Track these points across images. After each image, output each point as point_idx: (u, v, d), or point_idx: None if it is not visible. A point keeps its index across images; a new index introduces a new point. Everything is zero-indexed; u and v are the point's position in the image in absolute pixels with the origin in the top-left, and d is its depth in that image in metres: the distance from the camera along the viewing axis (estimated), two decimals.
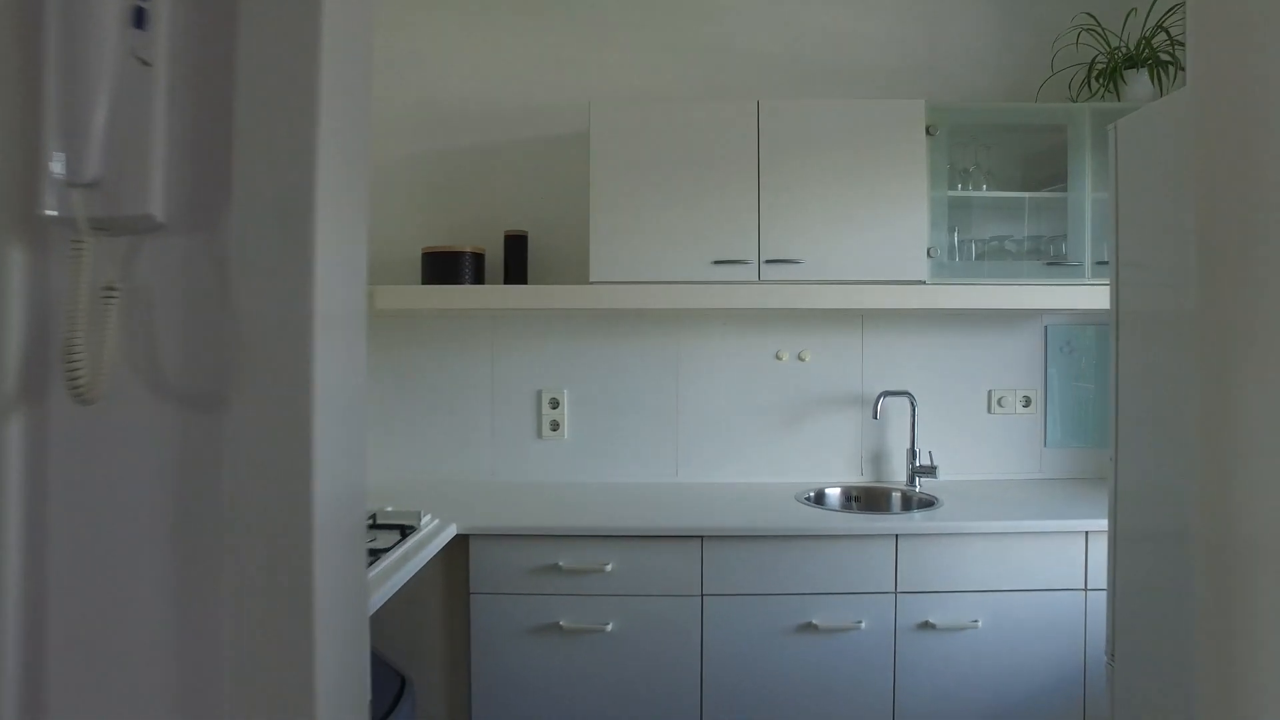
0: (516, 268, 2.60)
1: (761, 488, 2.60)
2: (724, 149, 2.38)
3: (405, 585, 1.88)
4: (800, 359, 2.71)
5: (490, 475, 2.73)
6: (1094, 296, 2.42)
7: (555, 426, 2.72)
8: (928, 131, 2.40)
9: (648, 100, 2.63)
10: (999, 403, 2.74)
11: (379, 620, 2.07)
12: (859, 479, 2.73)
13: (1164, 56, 2.50)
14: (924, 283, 2.42)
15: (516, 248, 2.60)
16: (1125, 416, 1.59)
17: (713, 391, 2.71)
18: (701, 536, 2.12)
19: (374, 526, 2.02)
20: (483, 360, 2.73)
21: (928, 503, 2.42)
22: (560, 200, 2.73)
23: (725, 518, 2.18)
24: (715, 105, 2.39)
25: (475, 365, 2.73)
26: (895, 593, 2.14)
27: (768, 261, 2.38)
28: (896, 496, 2.57)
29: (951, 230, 2.47)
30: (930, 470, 2.58)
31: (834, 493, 2.62)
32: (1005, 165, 2.64)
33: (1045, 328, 2.75)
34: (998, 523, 2.14)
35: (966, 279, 2.44)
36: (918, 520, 2.15)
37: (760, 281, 2.39)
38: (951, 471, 2.74)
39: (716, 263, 2.37)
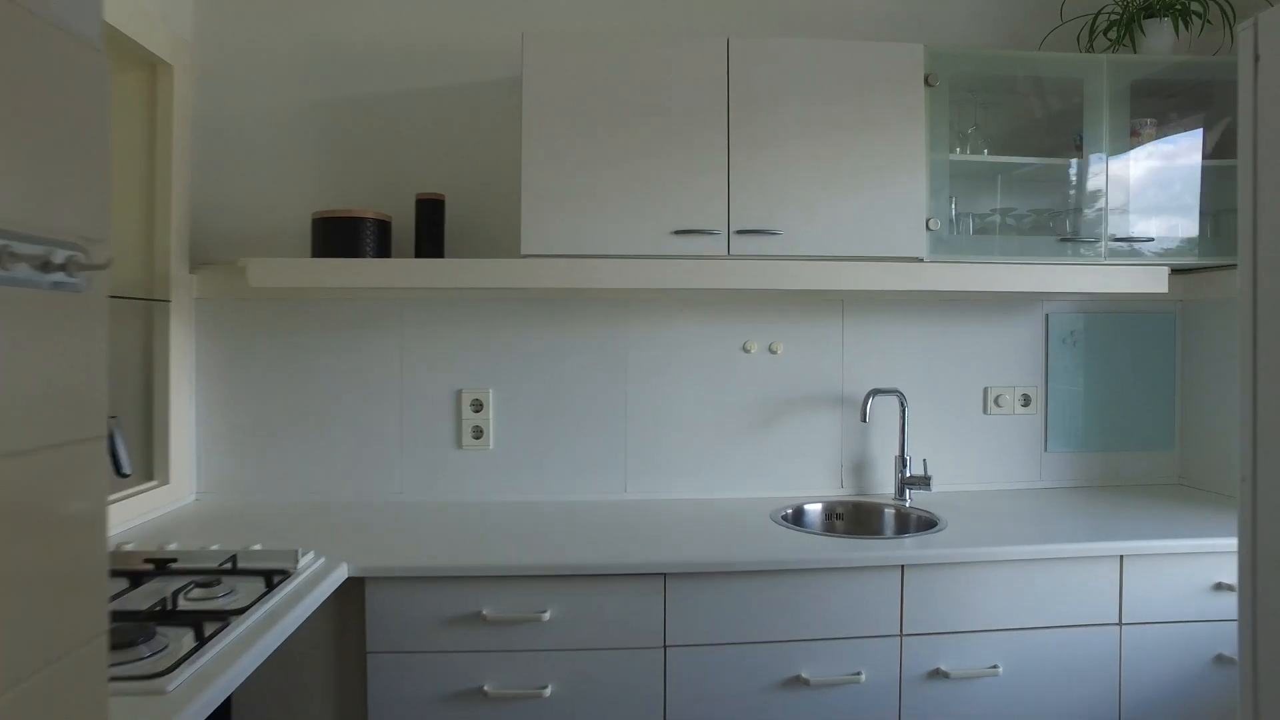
0: (431, 238, 2.11)
1: (729, 505, 2.18)
2: (687, 97, 1.95)
3: (280, 647, 1.39)
4: (771, 351, 2.30)
5: (397, 495, 2.24)
6: (1110, 279, 2.08)
7: (479, 434, 2.25)
8: (926, 81, 2.02)
9: (594, 37, 2.18)
10: (996, 402, 2.39)
11: (240, 701, 1.57)
12: (840, 492, 2.33)
13: (1193, 4, 2.17)
14: (921, 260, 2.03)
15: (431, 214, 2.12)
16: (1269, 424, 1.21)
17: (669, 390, 2.28)
18: (664, 574, 1.68)
19: (231, 573, 1.52)
20: (389, 352, 2.24)
21: (928, 522, 2.04)
22: (486, 158, 2.25)
23: (692, 547, 1.75)
24: (677, 44, 1.96)
25: (379, 359, 2.23)
26: (900, 635, 1.75)
27: (739, 232, 1.96)
28: (890, 514, 2.18)
29: (951, 200, 2.10)
30: (923, 481, 2.20)
31: (814, 509, 2.22)
32: (1008, 127, 2.28)
33: (1046, 316, 2.41)
34: (1020, 547, 1.76)
35: (970, 256, 2.06)
36: (926, 547, 1.76)
37: (729, 256, 1.96)
38: (943, 481, 2.38)
39: (677, 233, 1.94)
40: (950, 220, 2.07)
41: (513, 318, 2.25)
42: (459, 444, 2.24)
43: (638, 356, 2.27)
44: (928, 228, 2.02)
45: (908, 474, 2.24)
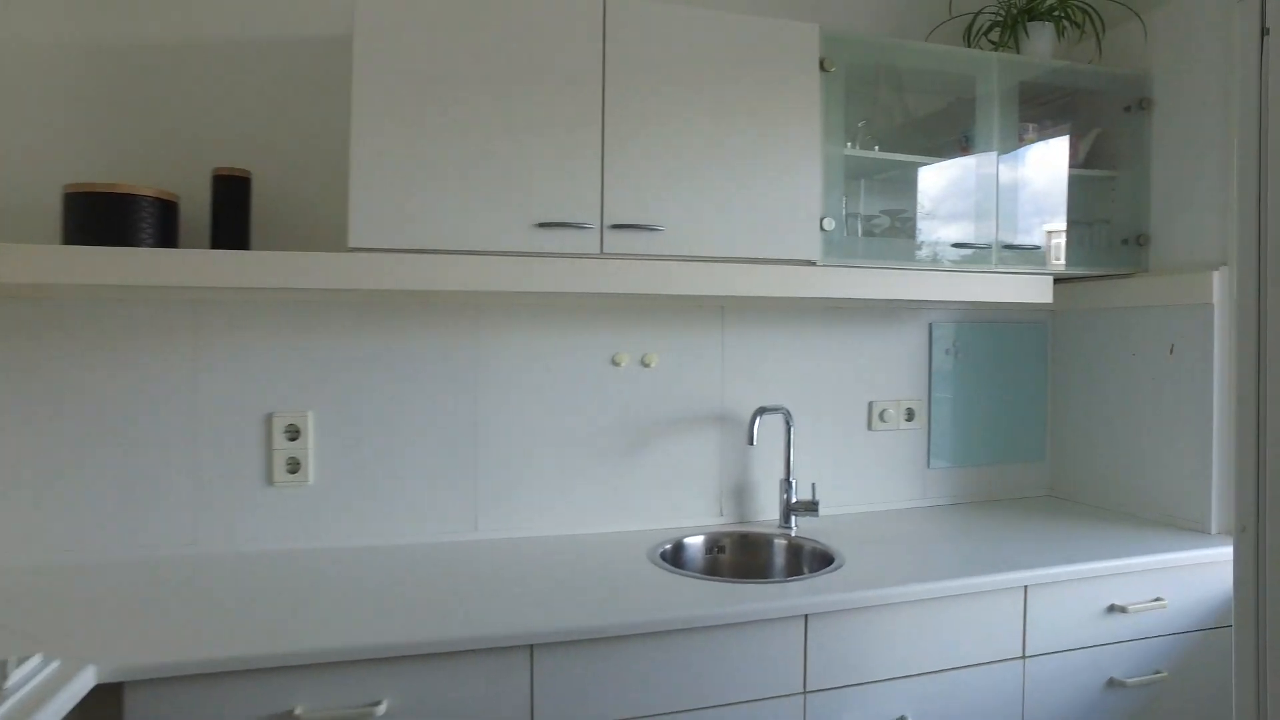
0: (232, 225, 1.69)
1: (600, 543, 1.89)
2: (556, 66, 1.65)
3: None
4: (645, 364, 2.04)
5: (188, 548, 1.78)
6: (1000, 287, 1.97)
7: (295, 467, 1.83)
8: (822, 66, 1.82)
9: None
10: (881, 417, 2.24)
11: None
12: (720, 520, 2.10)
13: (1073, 12, 2.11)
14: (814, 264, 1.83)
15: (232, 195, 1.69)
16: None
17: (528, 410, 1.96)
18: (530, 645, 1.37)
19: None
20: (177, 369, 1.78)
21: (824, 557, 1.84)
22: (306, 128, 1.84)
23: (562, 605, 1.45)
24: (545, 1, 1.65)
25: (163, 377, 1.77)
26: (804, 693, 1.52)
27: (614, 227, 1.68)
28: (779, 546, 1.97)
29: (844, 199, 1.91)
30: (811, 507, 2.01)
31: (695, 543, 1.97)
32: (897, 123, 2.13)
33: (929, 325, 2.29)
34: (928, 585, 1.59)
35: (863, 261, 1.89)
36: (829, 591, 1.55)
37: (602, 255, 1.68)
38: (829, 503, 2.20)
39: (541, 226, 1.63)
40: (842, 221, 1.88)
41: (338, 325, 1.86)
42: (270, 480, 1.82)
43: (491, 371, 1.94)
44: (821, 228, 1.82)
45: (794, 499, 2.04)
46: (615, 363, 2.01)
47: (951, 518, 2.15)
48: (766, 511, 2.14)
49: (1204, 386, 1.98)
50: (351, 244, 1.56)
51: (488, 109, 1.61)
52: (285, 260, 1.55)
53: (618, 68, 1.68)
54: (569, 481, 1.98)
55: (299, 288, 1.56)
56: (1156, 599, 1.81)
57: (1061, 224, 2.09)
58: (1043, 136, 2.11)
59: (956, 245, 1.96)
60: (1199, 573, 1.87)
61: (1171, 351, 2.05)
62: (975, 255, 1.98)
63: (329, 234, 1.83)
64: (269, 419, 1.82)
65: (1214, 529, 1.98)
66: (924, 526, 2.05)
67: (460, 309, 1.92)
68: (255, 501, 1.81)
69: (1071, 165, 2.12)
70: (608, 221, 1.67)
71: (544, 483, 1.97)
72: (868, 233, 2.02)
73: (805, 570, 1.89)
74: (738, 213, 1.76)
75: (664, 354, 2.05)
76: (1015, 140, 2.02)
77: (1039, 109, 2.19)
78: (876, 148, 1.98)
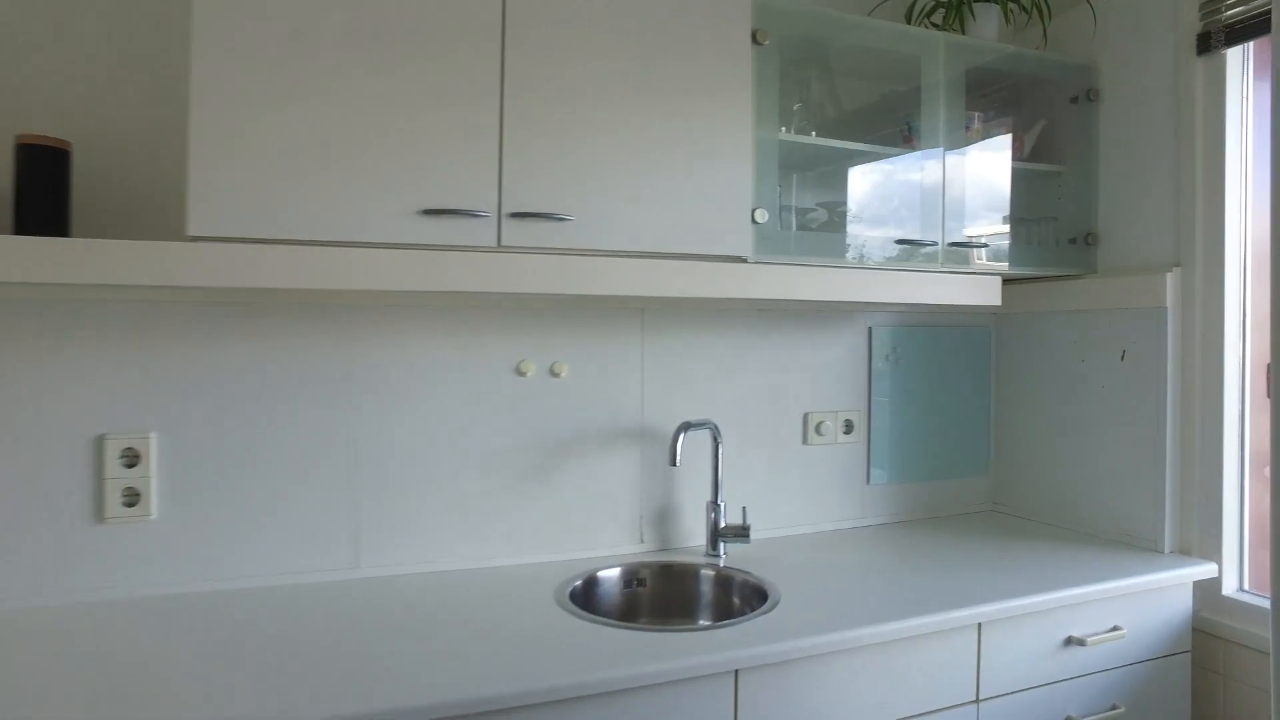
0: (45, 207, 1.38)
1: (501, 579, 1.64)
2: (445, 21, 1.40)
3: None
4: (554, 374, 1.79)
5: None
6: (948, 288, 1.80)
7: (134, 499, 1.53)
8: (754, 39, 1.61)
9: None
10: (818, 430, 2.05)
11: None
12: (641, 549, 1.87)
13: None
14: (745, 260, 1.63)
15: (45, 170, 1.38)
16: None
17: (417, 427, 1.70)
18: None
19: None
20: None
21: (757, 592, 1.62)
22: (136, 91, 1.54)
23: (443, 668, 1.19)
24: None
25: None
26: None
27: (514, 216, 1.43)
28: (706, 579, 1.75)
29: (779, 190, 1.71)
30: (741, 533, 1.80)
31: (611, 577, 1.73)
32: (836, 108, 1.95)
33: (869, 330, 2.12)
34: (876, 628, 1.39)
35: (801, 258, 1.69)
36: (763, 640, 1.33)
37: (500, 248, 1.43)
38: (761, 526, 2.00)
39: (427, 213, 1.38)
40: (776, 214, 1.68)
41: (187, 332, 1.56)
42: (100, 516, 1.51)
43: (373, 384, 1.67)
44: (753, 220, 1.62)
45: (722, 523, 1.83)
46: (520, 373, 1.76)
47: (893, 539, 1.97)
48: (692, 537, 1.92)
49: (1157, 395, 1.85)
50: (191, 231, 1.27)
51: (361, 72, 1.35)
52: (111, 250, 1.26)
53: (520, 30, 1.43)
54: (466, 509, 1.73)
55: (129, 284, 1.27)
56: (1114, 628, 1.66)
57: (1007, 222, 1.94)
58: (988, 127, 1.95)
59: (900, 242, 1.78)
60: (1156, 598, 1.73)
61: (1123, 358, 1.92)
62: (920, 253, 1.80)
63: (165, 217, 1.54)
64: (99, 442, 1.51)
65: (1167, 547, 1.85)
66: (865, 551, 1.87)
67: (335, 312, 1.64)
68: (83, 541, 1.50)
69: (1017, 159, 1.97)
70: (507, 209, 1.43)
71: (437, 511, 1.71)
72: (803, 227, 1.83)
73: (736, 606, 1.68)
74: (659, 202, 1.54)
75: (576, 363, 1.81)
76: (962, 131, 1.86)
77: (983, 99, 2.03)
78: (814, 134, 1.79)
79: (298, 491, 1.61)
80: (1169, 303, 1.82)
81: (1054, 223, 2.03)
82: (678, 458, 1.71)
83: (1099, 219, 2.02)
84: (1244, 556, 1.82)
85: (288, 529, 1.61)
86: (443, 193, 1.39)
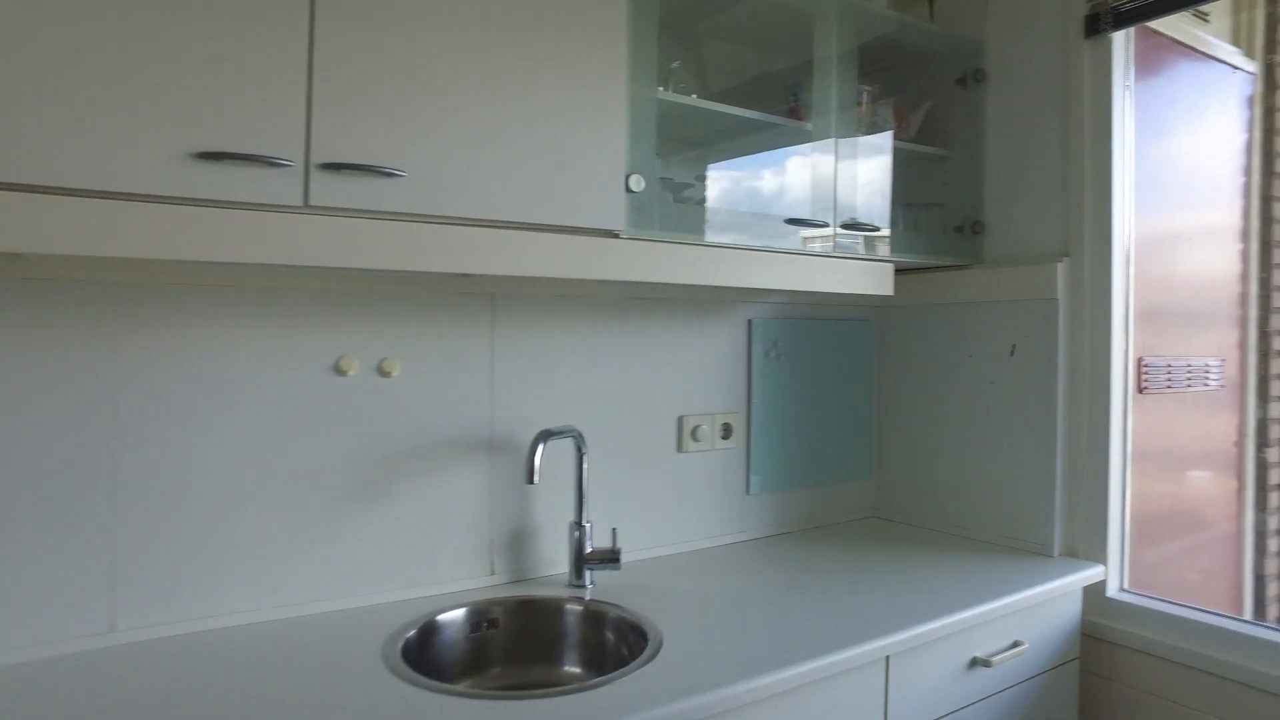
0: None
1: (316, 631, 1.29)
2: None
3: None
4: (383, 373, 1.46)
5: None
6: (840, 276, 1.62)
7: None
8: None
9: None
10: (693, 435, 1.82)
11: None
12: (491, 581, 1.57)
13: None
14: (617, 235, 1.36)
15: None
16: None
17: (199, 445, 1.31)
18: None
19: None
20: None
21: (634, 631, 1.36)
22: None
23: None
24: None
25: None
26: None
27: (326, 167, 1.10)
28: (571, 618, 1.47)
29: (657, 155, 1.46)
30: (610, 558, 1.54)
31: (454, 621, 1.42)
32: (719, 70, 1.73)
33: (749, 322, 1.91)
34: (776, 675, 1.16)
35: (682, 235, 1.45)
36: (646, 705, 1.07)
37: (308, 209, 1.10)
38: (632, 547, 1.74)
39: (203, 157, 1.02)
40: (654, 184, 1.43)
41: None
42: None
43: (139, 389, 1.27)
44: (628, 188, 1.36)
45: (589, 548, 1.55)
46: (340, 371, 1.41)
47: (777, 556, 1.77)
48: (554, 564, 1.64)
49: (1047, 391, 1.76)
50: None
51: None
52: None
53: None
54: (268, 545, 1.36)
55: None
56: (1016, 643, 1.53)
57: (895, 207, 1.79)
58: (876, 106, 1.80)
59: (792, 222, 1.58)
60: (1051, 606, 1.62)
61: (1013, 352, 1.81)
62: (812, 237, 1.61)
63: None
64: None
65: (1056, 551, 1.76)
66: (750, 572, 1.65)
67: (88, 292, 1.23)
68: None
69: (904, 140, 1.83)
70: (318, 158, 1.09)
71: (228, 550, 1.33)
72: (681, 202, 1.59)
73: (610, 647, 1.41)
74: (516, 159, 1.24)
75: (410, 359, 1.48)
76: (854, 107, 1.69)
77: (868, 75, 1.88)
78: (694, 96, 1.55)
79: (31, 536, 1.19)
80: (1060, 294, 1.73)
81: (940, 209, 1.91)
82: (536, 473, 1.42)
83: (985, 207, 1.91)
84: (1125, 556, 1.76)
85: (14, 588, 1.18)
86: (226, 130, 1.04)
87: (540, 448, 1.43)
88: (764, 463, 1.92)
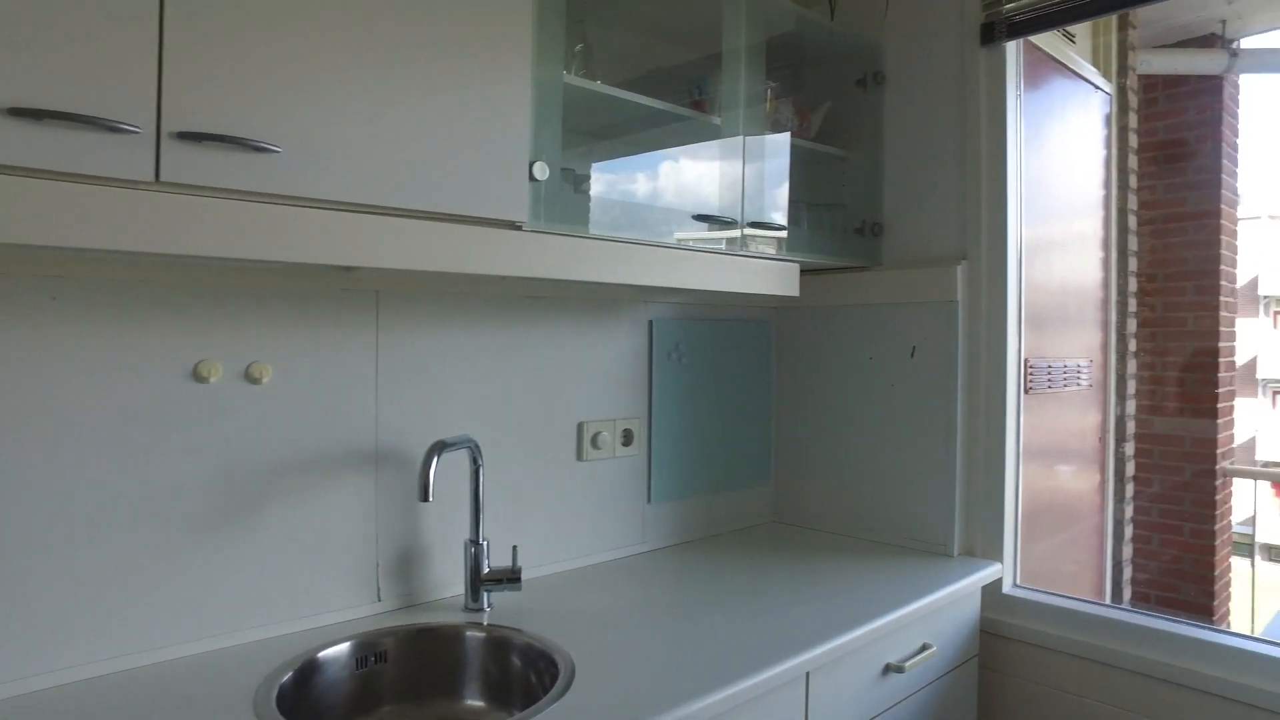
0: None
1: (171, 678, 1.11)
2: None
3: None
4: (251, 379, 1.28)
5: None
6: (752, 275, 1.57)
7: None
8: None
9: None
10: (594, 442, 1.72)
11: None
12: (378, 609, 1.41)
13: None
14: (520, 227, 1.25)
15: None
16: None
17: (18, 468, 1.10)
18: None
19: None
20: None
21: (542, 659, 1.25)
22: None
23: None
24: None
25: None
26: None
27: (182, 137, 0.94)
28: (473, 645, 1.33)
29: (560, 143, 1.35)
30: (512, 577, 1.42)
31: (337, 657, 1.26)
32: (625, 60, 1.64)
33: (650, 323, 1.83)
34: (707, 700, 1.08)
35: (584, 229, 1.35)
36: None
37: (160, 185, 0.93)
38: (532, 563, 1.63)
39: (20, 115, 0.84)
40: (558, 173, 1.32)
41: None
42: None
43: None
44: (532, 176, 1.25)
45: (487, 568, 1.43)
46: (199, 378, 1.23)
47: (682, 567, 1.70)
48: (448, 586, 1.50)
49: (947, 393, 1.77)
50: None
51: None
52: None
53: None
54: (118, 582, 1.16)
55: None
56: (925, 646, 1.52)
57: (797, 206, 1.76)
58: (778, 103, 1.77)
59: (700, 218, 1.51)
60: (954, 608, 1.63)
61: (913, 354, 1.82)
62: (720, 234, 1.55)
63: None
64: None
65: (956, 550, 1.78)
66: (656, 586, 1.57)
67: None
68: None
69: (804, 139, 1.81)
70: (172, 125, 0.93)
71: (68, 592, 1.12)
72: (584, 194, 1.50)
73: (516, 676, 1.29)
74: (407, 139, 1.11)
75: (284, 363, 1.31)
76: (762, 103, 1.65)
77: (770, 73, 1.84)
78: (599, 83, 1.46)
79: None
80: (959, 296, 1.75)
81: (840, 210, 1.90)
82: (430, 490, 1.28)
83: (884, 209, 1.92)
84: (1017, 553, 1.79)
85: None
86: (51, 82, 0.86)
87: (435, 460, 1.29)
88: (665, 470, 1.85)
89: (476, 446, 1.43)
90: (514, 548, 1.44)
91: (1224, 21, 3.53)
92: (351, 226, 1.07)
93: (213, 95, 0.95)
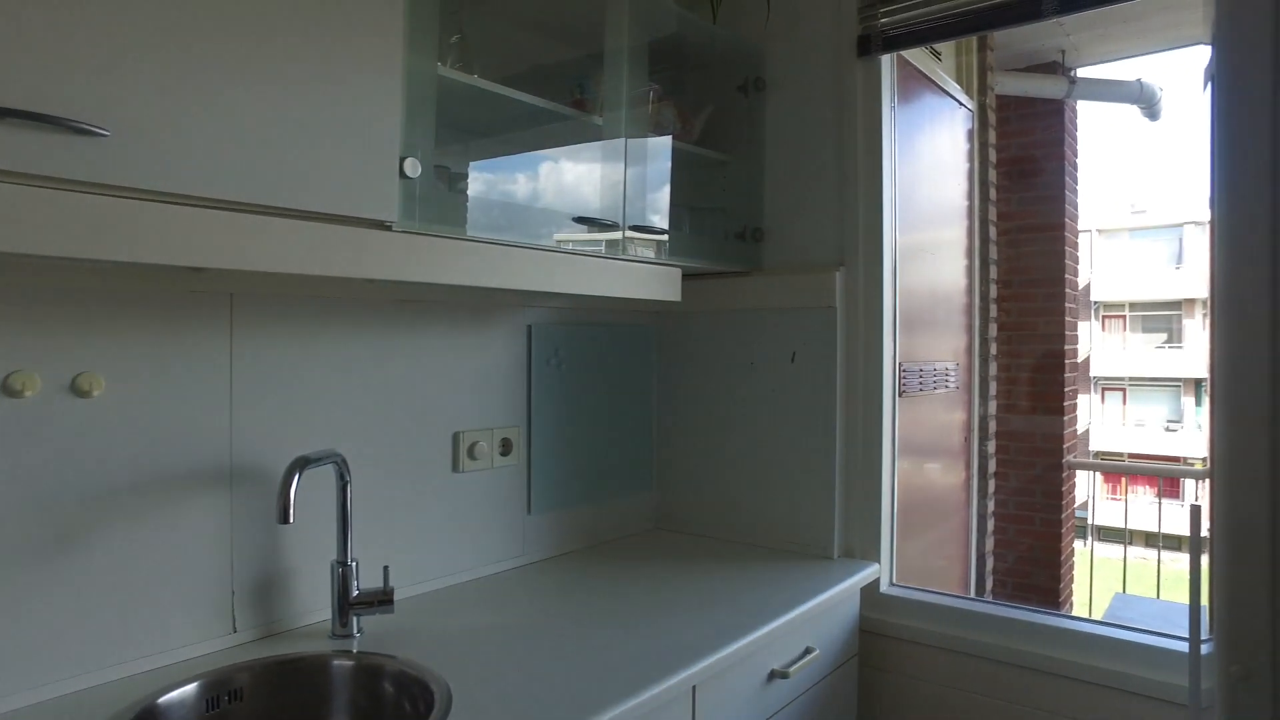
0: None
1: None
2: None
3: None
4: (80, 392, 1.14)
5: None
6: (635, 280, 1.54)
7: None
8: None
9: None
10: (471, 453, 1.64)
11: None
12: (234, 641, 1.29)
13: None
14: (389, 227, 1.17)
15: None
16: None
17: None
18: None
19: None
20: None
21: (416, 687, 1.16)
22: None
23: None
24: None
25: None
26: None
27: None
28: (340, 675, 1.23)
29: (434, 139, 1.27)
30: (384, 599, 1.33)
31: (184, 697, 1.13)
32: (503, 54, 1.57)
33: (529, 328, 1.77)
34: None
35: (462, 231, 1.28)
36: None
37: None
38: (406, 581, 1.53)
39: None
40: (430, 170, 1.25)
41: None
42: None
43: None
44: (402, 173, 1.17)
45: (355, 590, 1.34)
46: (10, 392, 1.08)
47: (564, 580, 1.65)
48: (312, 612, 1.39)
49: (827, 397, 1.80)
50: None
51: None
52: None
53: None
54: None
55: None
56: (808, 650, 1.53)
57: (679, 210, 1.74)
58: (661, 105, 1.74)
59: (581, 221, 1.47)
60: (836, 610, 1.65)
61: (794, 359, 1.84)
62: (601, 237, 1.51)
63: None
64: None
65: (837, 552, 1.81)
66: (538, 601, 1.52)
67: None
68: None
69: (686, 143, 1.79)
70: None
71: None
72: (459, 194, 1.42)
73: (389, 707, 1.21)
74: (263, 126, 1.01)
75: (119, 374, 1.18)
76: (645, 105, 1.62)
77: (652, 74, 1.82)
78: (476, 76, 1.39)
79: None
80: (838, 302, 1.78)
81: (722, 215, 1.89)
82: (290, 511, 1.18)
83: (765, 214, 1.93)
84: (893, 552, 1.84)
85: None
86: None
87: (296, 478, 1.19)
88: (545, 479, 1.80)
89: (343, 461, 1.33)
90: (385, 568, 1.35)
91: (1064, 51, 3.81)
92: (198, 223, 0.97)
93: (26, 66, 0.83)
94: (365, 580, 1.43)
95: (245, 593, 1.30)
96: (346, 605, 1.33)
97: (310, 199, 1.06)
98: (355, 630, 1.33)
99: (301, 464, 1.21)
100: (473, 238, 1.29)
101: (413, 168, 1.18)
